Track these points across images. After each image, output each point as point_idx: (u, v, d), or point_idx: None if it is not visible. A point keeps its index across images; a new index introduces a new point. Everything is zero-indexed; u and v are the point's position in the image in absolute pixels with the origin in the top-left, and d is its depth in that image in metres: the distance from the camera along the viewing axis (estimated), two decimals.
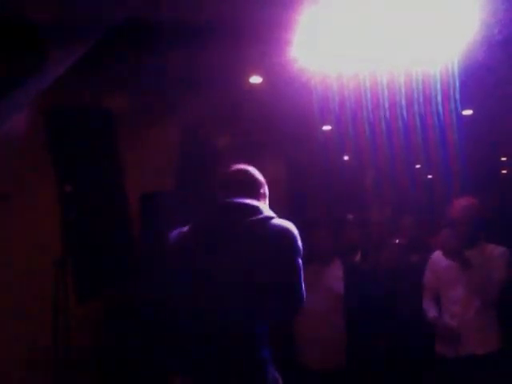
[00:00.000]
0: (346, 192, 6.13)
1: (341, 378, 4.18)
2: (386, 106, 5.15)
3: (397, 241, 4.91)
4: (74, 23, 2.95)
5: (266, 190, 2.68)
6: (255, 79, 5.23)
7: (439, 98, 4.88)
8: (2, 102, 3.03)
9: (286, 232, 2.40)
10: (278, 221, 2.45)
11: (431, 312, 3.91)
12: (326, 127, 6.86)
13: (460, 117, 5.61)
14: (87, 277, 4.10)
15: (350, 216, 5.56)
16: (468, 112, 6.50)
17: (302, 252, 2.41)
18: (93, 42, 3.18)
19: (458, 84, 4.55)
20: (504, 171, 9.86)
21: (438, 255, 3.99)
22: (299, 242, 2.41)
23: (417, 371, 4.13)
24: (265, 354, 2.41)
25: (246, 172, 2.65)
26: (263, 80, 5.23)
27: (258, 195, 2.60)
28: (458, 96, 4.78)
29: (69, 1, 2.84)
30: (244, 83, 5.25)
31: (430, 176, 8.22)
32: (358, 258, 5.03)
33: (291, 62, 4.20)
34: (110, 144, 4.47)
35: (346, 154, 8.17)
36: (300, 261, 2.37)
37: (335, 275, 4.34)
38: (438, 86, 4.68)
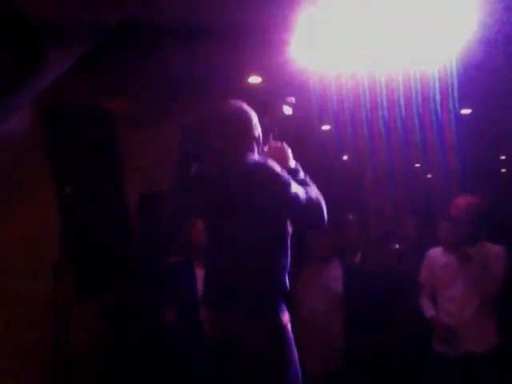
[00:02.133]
0: (346, 192, 6.13)
1: (340, 378, 4.18)
2: (385, 105, 5.15)
3: (396, 246, 4.90)
4: (74, 23, 2.94)
5: (238, 128, 2.54)
6: (254, 79, 5.22)
7: (438, 97, 4.88)
8: (1, 102, 3.03)
9: (258, 177, 2.36)
10: (251, 166, 2.40)
11: (429, 311, 3.92)
12: (325, 127, 6.86)
13: (459, 116, 5.62)
14: (87, 277, 4.10)
15: (350, 216, 5.56)
16: (467, 111, 6.50)
17: (283, 177, 2.37)
18: (92, 42, 3.18)
19: (456, 83, 4.55)
20: (503, 170, 9.85)
21: (434, 252, 3.99)
22: (273, 178, 2.35)
23: (416, 371, 4.13)
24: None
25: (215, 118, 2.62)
26: (262, 80, 5.23)
27: (231, 138, 2.52)
28: (456, 95, 4.78)
29: (68, 1, 2.84)
30: (243, 83, 5.25)
31: (429, 175, 8.22)
32: (357, 258, 5.03)
33: (290, 62, 4.20)
34: (109, 144, 4.47)
35: (346, 154, 8.17)
36: (287, 190, 2.34)
37: (334, 275, 4.34)
38: (437, 86, 4.68)
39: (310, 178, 2.62)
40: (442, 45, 3.88)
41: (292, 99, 2.82)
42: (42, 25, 2.86)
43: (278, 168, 2.40)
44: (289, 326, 2.44)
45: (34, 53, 2.93)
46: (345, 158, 8.26)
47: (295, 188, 2.37)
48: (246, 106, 2.60)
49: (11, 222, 3.66)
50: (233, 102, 2.61)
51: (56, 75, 3.25)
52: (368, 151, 6.38)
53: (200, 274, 3.82)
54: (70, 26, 2.97)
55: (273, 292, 2.43)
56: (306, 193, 2.41)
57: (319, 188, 2.55)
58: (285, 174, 2.39)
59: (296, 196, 2.35)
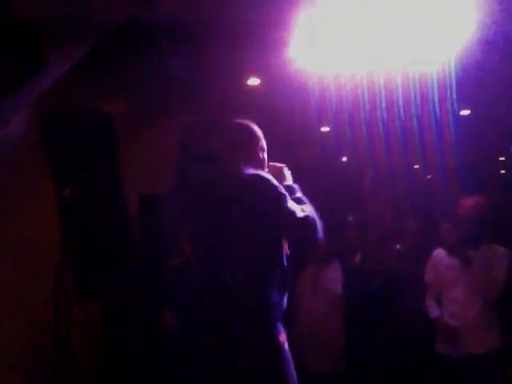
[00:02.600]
0: (345, 193, 6.12)
1: (340, 379, 4.17)
2: (384, 106, 5.15)
3: (397, 246, 4.90)
4: (74, 24, 2.95)
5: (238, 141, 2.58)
6: (253, 81, 5.23)
7: (437, 98, 4.88)
8: (2, 104, 3.04)
9: (256, 190, 2.37)
10: (248, 177, 2.41)
11: (434, 311, 3.91)
12: (325, 128, 6.87)
13: (458, 117, 5.62)
14: (87, 278, 4.10)
15: (350, 217, 5.55)
16: (466, 112, 6.51)
17: (280, 189, 2.38)
18: (92, 43, 3.18)
19: (455, 84, 4.55)
20: (503, 171, 9.86)
21: (438, 253, 3.99)
22: (270, 188, 2.37)
23: (416, 371, 4.12)
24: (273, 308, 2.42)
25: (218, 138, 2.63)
26: (261, 81, 5.23)
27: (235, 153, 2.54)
28: (455, 96, 4.78)
29: (68, 3, 2.84)
30: (242, 85, 5.25)
31: (428, 176, 8.22)
32: (357, 259, 5.03)
33: (289, 64, 4.20)
34: (108, 146, 4.48)
35: (345, 155, 8.17)
36: (283, 202, 2.35)
37: (333, 276, 4.34)
38: (436, 86, 4.68)
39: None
40: (440, 45, 3.88)
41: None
42: (41, 26, 2.87)
43: (275, 181, 2.41)
44: (286, 346, 2.42)
45: (33, 54, 2.94)
46: (344, 159, 8.26)
47: (291, 203, 2.39)
48: (254, 127, 2.63)
49: (11, 222, 3.66)
50: (241, 121, 2.64)
51: (56, 76, 3.25)
52: (367, 152, 6.38)
53: None
54: (70, 27, 2.97)
55: (266, 308, 2.40)
56: (303, 210, 2.41)
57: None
58: (282, 188, 2.40)
59: (292, 210, 2.36)
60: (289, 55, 4.06)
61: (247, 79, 5.17)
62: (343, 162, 8.23)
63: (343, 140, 6.17)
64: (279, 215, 2.36)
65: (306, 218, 2.38)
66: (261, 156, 2.61)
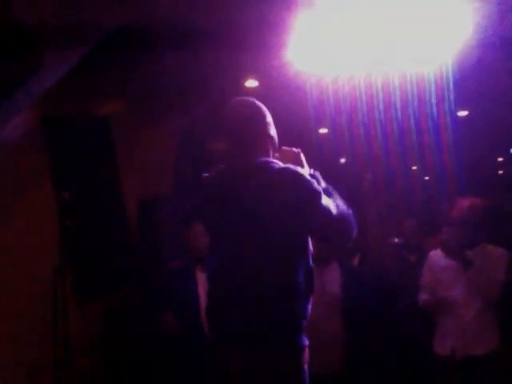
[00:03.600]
0: (344, 194, 6.13)
1: (340, 381, 4.17)
2: (383, 108, 5.15)
3: (396, 240, 4.90)
4: (73, 26, 2.96)
5: (261, 128, 2.30)
6: (251, 83, 5.23)
7: (435, 100, 4.89)
8: (1, 105, 3.04)
9: (287, 185, 2.10)
10: (277, 173, 2.16)
11: (422, 298, 3.91)
12: (323, 130, 6.88)
13: (456, 118, 5.63)
14: (86, 279, 4.11)
15: None
16: (463, 113, 6.53)
17: (314, 186, 2.12)
18: (91, 44, 3.19)
19: (453, 85, 4.56)
20: (500, 171, 9.89)
21: (436, 254, 3.99)
22: (304, 186, 2.10)
23: (416, 372, 4.12)
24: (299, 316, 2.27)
25: (237, 121, 2.34)
26: (259, 84, 5.24)
27: (255, 143, 2.29)
28: (453, 97, 4.79)
29: (67, 4, 2.86)
30: (240, 87, 5.26)
31: (426, 178, 8.23)
32: (356, 260, 5.03)
33: (287, 65, 4.21)
34: (107, 149, 4.48)
35: (343, 157, 8.18)
36: (318, 202, 2.09)
37: (332, 277, 4.33)
38: (434, 88, 4.69)
39: None
40: (438, 46, 3.89)
41: None
42: (40, 28, 2.88)
43: (307, 175, 2.16)
44: (306, 366, 2.28)
45: (32, 56, 2.95)
46: (342, 160, 8.26)
47: (326, 200, 2.13)
48: (257, 103, 2.37)
49: (11, 222, 3.67)
50: (241, 99, 2.41)
51: (56, 78, 3.26)
52: (366, 154, 6.39)
53: (202, 277, 3.82)
54: (69, 29, 2.98)
55: (294, 320, 2.26)
56: (337, 206, 2.16)
57: None
58: (316, 183, 2.14)
59: (327, 209, 2.11)
60: (287, 57, 4.06)
61: (245, 81, 5.18)
62: (342, 164, 8.24)
63: (341, 141, 6.17)
64: (313, 215, 2.11)
65: (342, 215, 2.17)
66: (271, 132, 2.32)
